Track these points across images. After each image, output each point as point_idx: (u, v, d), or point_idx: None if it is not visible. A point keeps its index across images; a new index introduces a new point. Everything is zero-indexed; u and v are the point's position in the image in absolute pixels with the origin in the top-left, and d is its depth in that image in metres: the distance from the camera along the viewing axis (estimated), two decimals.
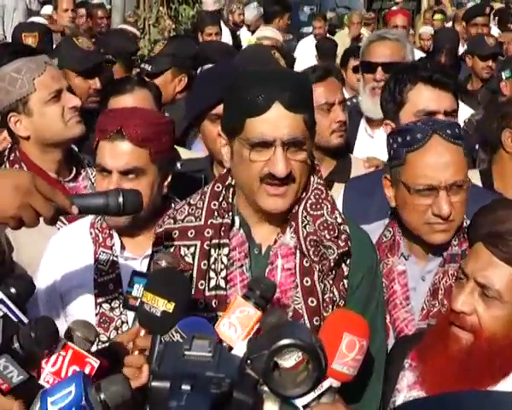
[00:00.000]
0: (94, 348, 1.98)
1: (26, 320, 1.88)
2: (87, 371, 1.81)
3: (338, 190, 3.36)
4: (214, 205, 2.31)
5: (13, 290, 1.90)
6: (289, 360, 1.50)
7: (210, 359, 1.44)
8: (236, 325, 1.85)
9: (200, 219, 2.30)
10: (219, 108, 3.01)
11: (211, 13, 10.54)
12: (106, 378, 1.71)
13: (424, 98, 3.12)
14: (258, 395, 1.48)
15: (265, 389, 1.49)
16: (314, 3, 15.69)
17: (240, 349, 1.74)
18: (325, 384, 1.91)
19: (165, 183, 2.73)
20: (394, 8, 15.02)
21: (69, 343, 1.85)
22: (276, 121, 2.17)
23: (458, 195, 2.50)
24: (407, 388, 2.25)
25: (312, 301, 2.23)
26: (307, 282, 2.23)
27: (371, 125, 4.29)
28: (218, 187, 2.34)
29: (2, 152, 3.26)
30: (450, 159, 2.50)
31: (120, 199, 2.10)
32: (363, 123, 4.37)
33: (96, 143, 2.69)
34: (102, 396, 1.63)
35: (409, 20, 9.09)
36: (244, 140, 2.19)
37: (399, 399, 2.26)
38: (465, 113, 4.98)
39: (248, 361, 1.48)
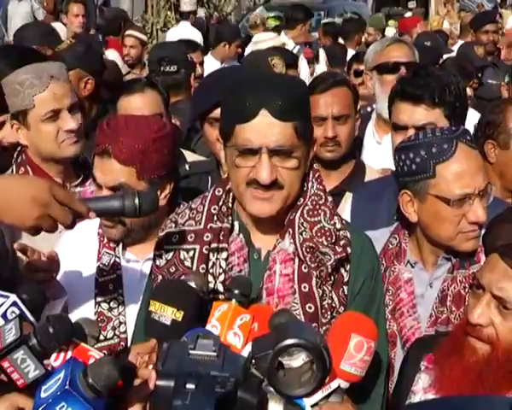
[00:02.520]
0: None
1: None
2: None
3: (349, 199, 3.32)
4: (214, 209, 2.29)
5: (24, 296, 1.90)
6: (297, 360, 1.51)
7: (214, 358, 1.44)
8: (239, 334, 1.86)
9: (200, 224, 2.29)
10: (216, 112, 3.02)
11: (187, 13, 10.57)
12: (93, 362, 1.71)
13: (396, 112, 3.06)
14: (262, 394, 1.48)
15: (270, 388, 1.49)
16: (322, 9, 15.63)
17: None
18: (333, 385, 1.91)
19: (161, 196, 2.69)
20: (409, 13, 15.04)
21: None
22: (262, 129, 2.15)
23: (484, 199, 2.49)
24: (422, 390, 2.24)
25: (310, 307, 2.21)
26: (305, 288, 2.22)
27: (379, 131, 4.27)
28: (219, 191, 2.32)
29: (11, 152, 3.26)
30: (477, 164, 2.50)
31: (136, 201, 2.10)
32: (370, 129, 4.35)
33: (94, 155, 2.71)
34: (90, 380, 1.62)
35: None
36: (233, 146, 2.19)
37: (415, 401, 2.24)
38: (474, 118, 4.97)
39: (253, 361, 1.48)
